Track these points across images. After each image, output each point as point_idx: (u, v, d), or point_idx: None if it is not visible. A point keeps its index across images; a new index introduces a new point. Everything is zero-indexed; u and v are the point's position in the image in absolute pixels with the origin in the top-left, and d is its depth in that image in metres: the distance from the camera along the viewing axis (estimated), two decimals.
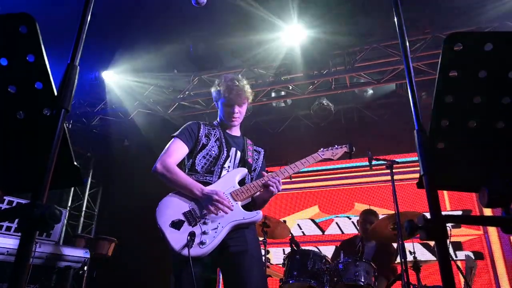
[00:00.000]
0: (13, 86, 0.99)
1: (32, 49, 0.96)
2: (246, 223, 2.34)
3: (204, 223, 2.25)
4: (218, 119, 2.74)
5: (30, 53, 0.96)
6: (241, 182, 2.50)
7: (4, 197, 3.85)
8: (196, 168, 2.47)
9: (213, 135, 2.59)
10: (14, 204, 4.17)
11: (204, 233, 2.20)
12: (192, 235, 2.16)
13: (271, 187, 2.41)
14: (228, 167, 2.52)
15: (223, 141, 2.58)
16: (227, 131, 2.67)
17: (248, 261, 2.28)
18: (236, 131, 2.72)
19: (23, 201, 4.20)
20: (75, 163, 1.06)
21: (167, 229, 2.21)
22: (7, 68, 0.98)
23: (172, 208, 2.30)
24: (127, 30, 5.84)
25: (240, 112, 2.62)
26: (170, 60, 6.80)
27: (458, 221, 1.44)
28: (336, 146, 2.94)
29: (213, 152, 2.51)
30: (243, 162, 2.59)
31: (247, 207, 2.43)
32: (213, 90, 2.72)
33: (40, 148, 0.96)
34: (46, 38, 1.02)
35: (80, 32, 1.07)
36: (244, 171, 2.53)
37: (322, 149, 2.87)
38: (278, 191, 2.44)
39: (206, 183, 2.41)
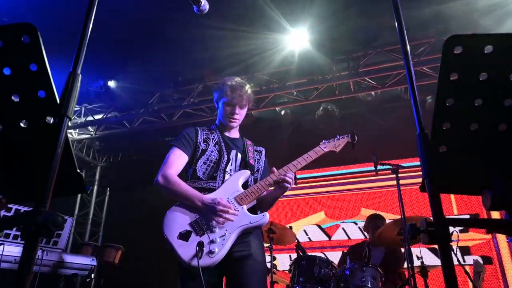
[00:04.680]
0: (17, 95, 1.01)
1: (34, 58, 0.97)
2: (253, 227, 2.31)
3: (212, 231, 2.22)
4: (216, 121, 2.72)
5: (32, 62, 0.98)
6: (245, 185, 2.47)
7: (11, 206, 3.88)
8: (198, 174, 2.44)
9: (211, 140, 2.56)
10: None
11: (212, 241, 2.18)
12: (200, 245, 2.14)
13: (285, 183, 2.39)
14: (230, 170, 2.49)
15: (223, 144, 2.55)
16: (226, 133, 2.65)
17: (250, 266, 2.24)
18: (235, 133, 2.69)
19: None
20: (78, 170, 1.07)
21: (175, 241, 2.19)
22: (10, 78, 0.99)
23: (178, 219, 2.28)
24: (131, 39, 5.89)
25: (240, 114, 2.60)
26: (174, 68, 6.83)
27: (460, 224, 1.43)
28: (338, 136, 2.81)
29: (213, 157, 2.48)
30: (244, 164, 2.55)
31: (252, 210, 2.39)
32: (215, 90, 2.71)
33: (43, 156, 0.97)
34: (49, 46, 1.03)
35: (82, 40, 1.08)
36: (246, 173, 2.49)
37: (323, 141, 2.77)
38: (294, 185, 2.43)
39: (210, 189, 2.39)
